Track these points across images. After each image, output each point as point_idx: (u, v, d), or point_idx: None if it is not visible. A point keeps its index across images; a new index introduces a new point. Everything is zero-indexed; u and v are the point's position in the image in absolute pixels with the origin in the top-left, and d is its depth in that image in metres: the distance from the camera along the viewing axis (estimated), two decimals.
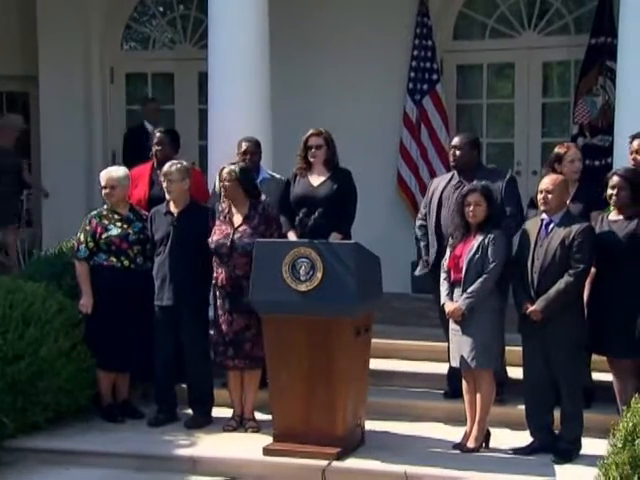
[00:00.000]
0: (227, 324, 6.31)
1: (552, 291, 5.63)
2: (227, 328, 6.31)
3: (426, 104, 9.38)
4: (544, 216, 5.80)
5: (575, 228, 5.66)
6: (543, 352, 5.71)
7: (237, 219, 6.37)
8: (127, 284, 6.57)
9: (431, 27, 9.36)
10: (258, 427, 6.36)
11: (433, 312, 6.68)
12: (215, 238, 6.32)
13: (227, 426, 6.42)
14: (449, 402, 6.52)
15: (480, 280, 5.78)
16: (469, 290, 5.80)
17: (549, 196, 5.75)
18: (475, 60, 9.71)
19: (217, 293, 6.34)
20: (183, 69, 10.37)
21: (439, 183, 6.67)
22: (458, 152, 6.46)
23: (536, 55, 9.44)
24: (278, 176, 7.07)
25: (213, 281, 6.34)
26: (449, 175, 6.66)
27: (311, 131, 6.66)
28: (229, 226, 6.34)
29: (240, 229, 6.31)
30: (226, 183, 6.33)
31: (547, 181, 5.81)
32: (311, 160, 6.66)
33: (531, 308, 5.67)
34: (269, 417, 6.17)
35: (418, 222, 6.71)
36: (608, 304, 5.69)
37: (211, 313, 6.44)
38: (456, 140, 6.54)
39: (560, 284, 5.62)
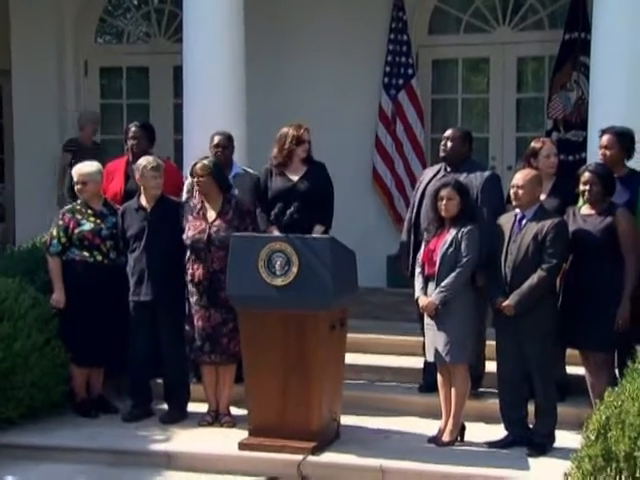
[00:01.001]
0: (204, 319, 6.29)
1: (525, 286, 5.66)
2: (204, 323, 6.30)
3: (401, 99, 9.41)
4: (517, 211, 5.83)
5: (548, 223, 5.68)
6: (516, 346, 5.74)
7: (211, 214, 6.35)
8: (100, 279, 6.55)
9: (406, 22, 9.39)
10: (234, 422, 6.36)
11: (408, 306, 6.70)
12: (190, 234, 6.31)
13: (202, 421, 6.41)
14: (424, 396, 6.54)
15: (453, 274, 5.80)
16: (442, 284, 5.82)
17: (520, 191, 5.78)
18: (450, 55, 9.74)
19: (193, 289, 6.32)
20: (158, 63, 10.33)
21: (427, 174, 6.68)
22: (449, 143, 6.45)
23: (511, 50, 9.48)
24: (251, 171, 7.06)
25: (188, 277, 6.33)
26: (438, 167, 6.66)
27: (302, 127, 6.62)
28: (203, 221, 6.33)
29: (215, 223, 6.30)
30: (200, 178, 6.32)
31: (518, 176, 5.84)
32: (302, 155, 6.64)
33: (504, 303, 5.71)
34: (245, 412, 6.16)
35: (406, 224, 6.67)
36: (581, 298, 5.73)
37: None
38: (449, 132, 6.52)
39: (533, 279, 5.65)
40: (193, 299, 6.33)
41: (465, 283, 5.84)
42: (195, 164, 6.38)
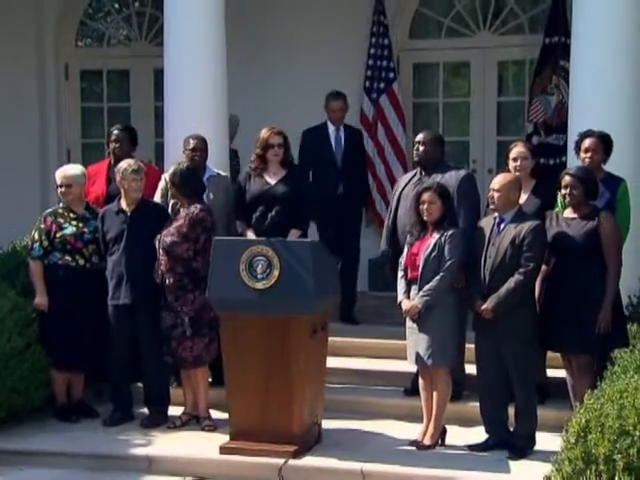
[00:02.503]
0: (161, 321, 6.41)
1: (502, 290, 5.68)
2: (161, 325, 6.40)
3: (383, 103, 9.41)
4: (496, 214, 5.85)
5: (526, 227, 5.70)
6: (495, 349, 5.76)
7: (177, 219, 6.40)
8: (82, 283, 6.54)
9: (387, 25, 9.40)
10: (214, 426, 6.36)
11: (390, 310, 6.71)
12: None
13: (171, 423, 6.43)
14: (407, 399, 6.55)
15: (437, 278, 5.82)
16: (425, 288, 5.83)
17: (495, 195, 5.81)
18: (431, 59, 9.75)
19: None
20: (139, 66, 10.31)
21: (403, 180, 6.71)
22: (422, 147, 6.47)
23: (491, 54, 9.50)
24: (224, 173, 7.10)
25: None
26: (413, 172, 6.69)
27: (272, 129, 6.66)
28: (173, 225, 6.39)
29: (169, 229, 6.33)
30: (169, 185, 6.46)
31: (496, 180, 5.88)
32: (273, 159, 6.67)
33: (482, 307, 5.72)
34: (226, 415, 6.15)
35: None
36: (561, 301, 5.76)
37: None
38: (420, 136, 6.54)
39: (510, 283, 5.67)
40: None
41: (448, 286, 5.85)
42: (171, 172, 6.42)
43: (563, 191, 5.82)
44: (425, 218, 5.92)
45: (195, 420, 6.47)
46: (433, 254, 5.85)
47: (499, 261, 5.72)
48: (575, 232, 5.77)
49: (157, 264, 6.33)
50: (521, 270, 5.67)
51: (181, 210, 6.40)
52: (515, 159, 6.29)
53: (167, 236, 6.29)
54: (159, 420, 6.51)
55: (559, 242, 5.80)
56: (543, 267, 5.86)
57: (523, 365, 5.73)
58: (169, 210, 6.65)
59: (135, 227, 6.47)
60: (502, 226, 5.79)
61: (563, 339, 5.78)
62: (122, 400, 6.64)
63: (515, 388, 5.78)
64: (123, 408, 6.62)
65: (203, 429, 6.37)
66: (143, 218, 6.49)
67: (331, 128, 7.99)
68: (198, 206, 6.32)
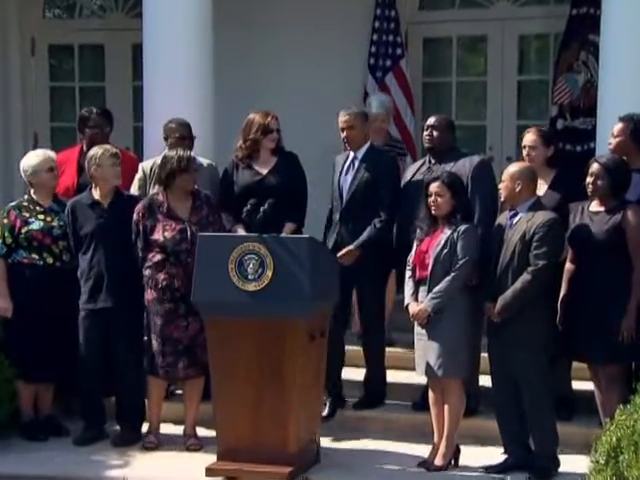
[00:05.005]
0: (180, 330, 6.32)
1: (509, 291, 5.70)
2: (180, 334, 6.32)
3: (389, 82, 9.42)
4: (513, 207, 5.88)
5: (538, 220, 5.72)
6: (506, 357, 5.78)
7: (183, 211, 6.38)
8: (51, 284, 6.55)
9: None
10: (200, 445, 6.38)
11: (396, 314, 6.72)
12: (168, 235, 6.31)
13: (148, 443, 6.45)
14: (417, 415, 6.57)
15: (447, 279, 5.83)
16: (435, 290, 5.85)
17: (501, 185, 5.86)
18: (443, 33, 9.75)
19: (164, 296, 6.30)
20: (115, 40, 10.30)
21: (411, 169, 6.75)
22: (434, 132, 6.51)
23: (511, 27, 9.50)
24: (206, 161, 7.08)
25: (157, 283, 6.31)
26: (422, 161, 6.72)
27: (269, 113, 6.71)
28: (177, 220, 6.35)
29: (193, 221, 6.33)
30: (184, 174, 6.34)
31: (506, 169, 5.91)
32: (270, 145, 6.70)
33: (492, 309, 5.75)
34: (212, 433, 6.17)
35: None
36: (585, 304, 5.76)
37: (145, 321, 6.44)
38: (432, 119, 6.59)
39: (517, 283, 5.69)
40: (164, 308, 6.32)
41: (460, 288, 5.87)
42: (177, 159, 6.33)
43: (588, 179, 5.84)
44: (433, 212, 5.94)
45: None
46: (444, 252, 5.86)
47: (508, 258, 5.74)
48: (598, 227, 5.78)
49: (176, 269, 6.26)
50: (530, 269, 5.68)
51: (175, 202, 6.38)
52: (524, 147, 6.38)
53: (202, 230, 6.22)
54: (132, 438, 6.53)
55: (579, 238, 5.81)
56: (568, 266, 5.86)
57: (533, 374, 5.73)
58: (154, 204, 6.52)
59: (113, 222, 6.48)
60: (515, 220, 5.81)
61: (588, 347, 5.79)
62: (94, 416, 6.65)
63: (526, 402, 5.79)
64: (95, 425, 6.64)
65: (188, 448, 6.38)
66: (122, 212, 6.48)
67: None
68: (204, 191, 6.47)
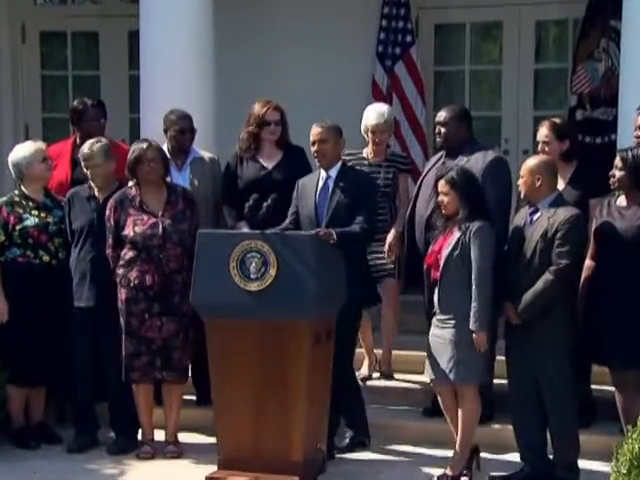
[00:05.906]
0: (154, 330, 6.33)
1: (529, 292, 5.68)
2: (154, 335, 6.33)
3: (399, 71, 9.43)
4: (532, 204, 5.85)
5: (560, 217, 5.69)
6: (526, 360, 5.76)
7: (156, 206, 6.40)
8: (46, 283, 6.55)
9: None
10: (178, 452, 6.42)
11: (411, 316, 6.70)
12: (139, 229, 6.32)
13: (142, 453, 6.45)
14: (428, 421, 6.57)
15: (474, 294, 5.69)
16: (472, 313, 5.70)
17: (520, 181, 5.85)
18: (456, 19, 9.76)
19: (137, 295, 6.31)
20: (110, 27, 10.31)
21: (428, 164, 6.75)
22: (444, 129, 6.49)
23: (528, 13, 9.50)
24: (208, 154, 7.07)
25: (128, 282, 6.31)
26: (440, 154, 6.70)
27: (268, 103, 6.68)
28: (149, 214, 6.37)
29: (166, 216, 6.34)
30: (151, 164, 6.39)
31: (524, 164, 5.89)
32: (269, 138, 6.68)
33: (512, 310, 5.72)
34: (211, 440, 6.17)
35: None
36: (607, 305, 5.73)
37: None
38: (441, 115, 6.55)
39: (539, 283, 5.66)
40: (137, 307, 6.33)
41: (490, 296, 5.76)
42: (138, 149, 6.39)
43: (612, 172, 5.81)
44: (442, 211, 5.93)
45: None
46: (455, 253, 5.81)
47: (529, 257, 5.71)
48: (625, 224, 5.75)
49: (147, 266, 6.28)
50: (552, 268, 5.65)
51: (147, 196, 6.41)
52: (538, 142, 6.37)
53: (176, 224, 6.29)
54: (128, 445, 6.53)
55: (605, 234, 5.78)
56: (589, 262, 5.83)
57: (558, 379, 5.71)
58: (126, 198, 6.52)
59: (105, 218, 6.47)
60: (536, 217, 5.79)
61: (609, 351, 5.76)
62: (87, 422, 6.66)
63: (547, 406, 5.77)
64: (89, 431, 6.65)
65: (165, 456, 6.40)
66: None
67: None
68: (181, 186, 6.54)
